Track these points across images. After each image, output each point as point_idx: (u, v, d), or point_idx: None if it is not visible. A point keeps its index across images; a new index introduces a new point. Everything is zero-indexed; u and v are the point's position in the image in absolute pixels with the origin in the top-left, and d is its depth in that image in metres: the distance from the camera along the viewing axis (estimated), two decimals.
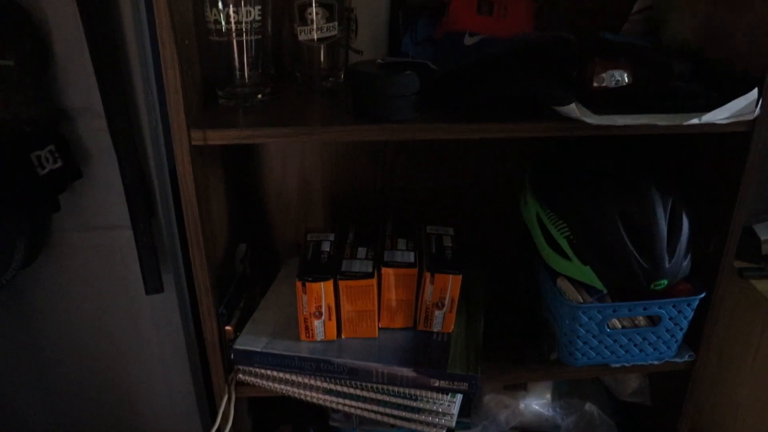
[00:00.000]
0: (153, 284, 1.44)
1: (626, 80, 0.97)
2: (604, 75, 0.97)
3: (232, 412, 1.09)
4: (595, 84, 0.97)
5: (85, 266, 1.49)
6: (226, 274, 1.13)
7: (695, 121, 0.91)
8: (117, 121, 1.29)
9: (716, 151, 1.07)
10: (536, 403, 1.29)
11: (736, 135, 0.99)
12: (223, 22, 0.96)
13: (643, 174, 1.06)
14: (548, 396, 1.31)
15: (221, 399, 1.09)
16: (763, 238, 1.54)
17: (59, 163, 1.32)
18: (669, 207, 1.02)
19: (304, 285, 1.00)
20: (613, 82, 0.97)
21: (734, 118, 0.94)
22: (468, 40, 0.99)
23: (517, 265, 1.29)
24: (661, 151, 1.20)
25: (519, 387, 1.30)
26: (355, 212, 1.34)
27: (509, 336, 1.20)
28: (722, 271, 1.09)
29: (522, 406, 1.28)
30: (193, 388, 1.65)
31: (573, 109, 0.89)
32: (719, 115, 0.92)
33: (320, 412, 1.34)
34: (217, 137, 0.91)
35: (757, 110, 0.94)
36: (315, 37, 1.05)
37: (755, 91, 0.93)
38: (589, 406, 1.32)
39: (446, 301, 1.05)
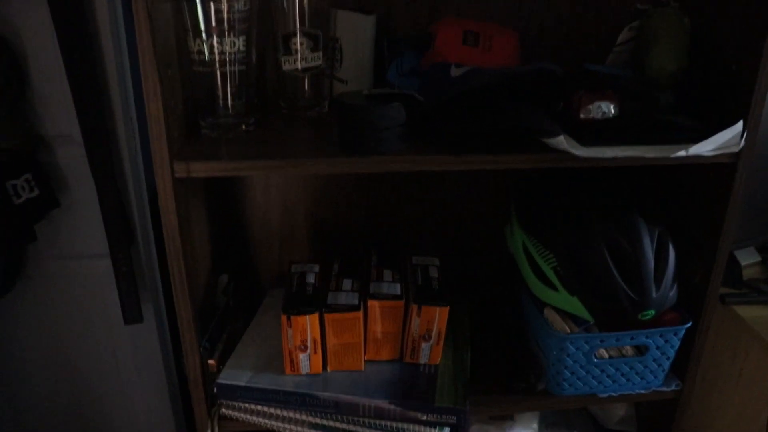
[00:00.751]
0: (132, 314, 1.41)
1: (612, 112, 0.98)
2: (590, 107, 0.97)
3: None
4: (582, 116, 0.98)
5: (63, 295, 1.46)
6: (208, 306, 1.11)
7: (682, 153, 0.92)
8: (95, 149, 1.27)
9: (702, 182, 1.08)
10: None
11: (721, 166, 0.99)
12: (206, 53, 0.95)
13: (629, 204, 1.06)
14: (535, 426, 1.30)
15: None
16: (743, 263, 1.55)
17: (36, 192, 1.29)
18: (656, 237, 1.02)
19: (289, 318, 0.99)
20: (600, 114, 0.98)
21: (720, 150, 0.94)
22: (454, 72, 0.98)
23: (504, 295, 1.28)
24: (647, 182, 1.20)
25: (506, 417, 1.29)
26: (339, 243, 1.32)
27: (496, 367, 1.19)
28: (708, 300, 1.09)
29: None
30: (173, 421, 1.62)
31: (561, 141, 0.89)
32: (705, 147, 0.93)
33: None
34: (201, 169, 0.89)
35: (742, 142, 0.95)
36: (299, 66, 1.04)
37: (740, 123, 0.94)
38: None
39: (433, 333, 1.04)
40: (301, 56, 1.04)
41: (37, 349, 1.51)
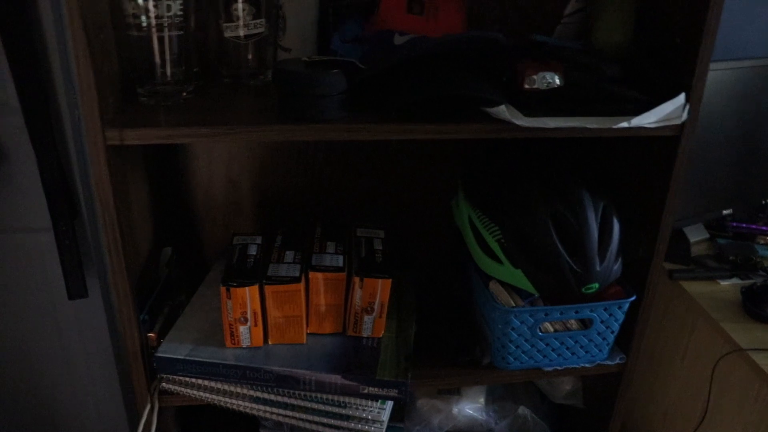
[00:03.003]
0: (76, 289, 1.38)
1: (557, 82, 0.97)
2: (535, 77, 0.96)
3: (155, 422, 1.05)
4: (526, 86, 0.97)
5: (3, 269, 1.42)
6: (149, 279, 1.08)
7: (624, 124, 0.91)
8: (35, 117, 1.23)
9: (646, 156, 1.07)
10: (469, 407, 1.28)
11: (665, 139, 0.99)
12: (142, 16, 0.91)
13: (574, 177, 1.06)
14: (482, 400, 1.30)
15: (143, 408, 1.04)
16: (692, 240, 1.57)
17: None
18: (600, 211, 1.02)
19: (228, 290, 0.97)
20: (544, 84, 0.97)
21: (662, 122, 0.94)
22: (398, 40, 0.97)
23: (450, 269, 1.28)
24: (593, 155, 1.20)
25: (452, 391, 1.29)
26: (284, 215, 1.31)
27: (442, 340, 1.18)
28: (652, 273, 1.09)
29: (455, 410, 1.26)
30: (121, 396, 1.59)
31: (503, 111, 0.88)
32: (648, 119, 0.93)
33: (251, 421, 1.30)
34: (135, 137, 0.87)
35: (684, 115, 0.95)
36: (241, 33, 1.02)
37: (682, 96, 0.94)
38: (522, 410, 1.32)
39: (376, 306, 1.03)
40: (243, 23, 1.01)
41: None
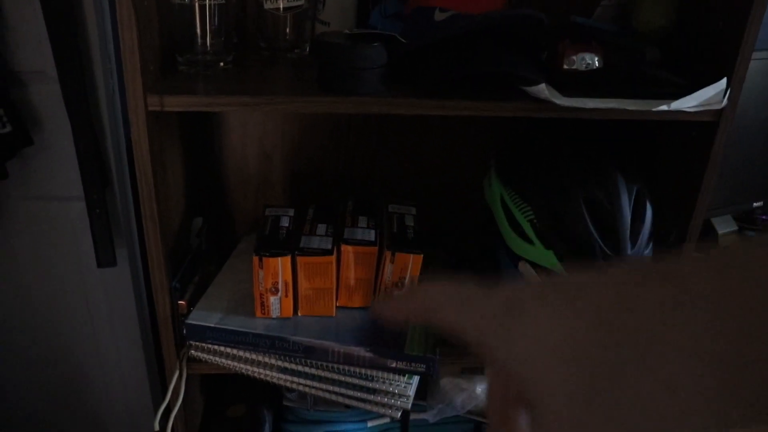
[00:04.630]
0: (105, 257, 1.40)
1: (597, 64, 0.96)
2: (574, 57, 0.96)
3: (183, 389, 1.06)
4: (565, 66, 0.96)
5: (34, 237, 1.44)
6: (180, 248, 1.09)
7: (664, 107, 0.91)
8: (71, 86, 1.24)
9: (682, 141, 1.07)
10: None
11: (703, 125, 0.99)
12: None
13: (609, 160, 1.06)
14: None
15: (172, 375, 1.06)
16: (720, 231, 1.56)
17: (8, 128, 1.26)
18: (634, 194, 1.02)
19: (260, 260, 0.97)
20: (584, 65, 0.96)
21: (702, 106, 0.93)
22: (438, 16, 0.96)
23: (480, 248, 1.28)
24: (629, 139, 1.19)
25: (476, 371, 1.29)
26: (316, 189, 1.31)
27: None
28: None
29: (479, 389, 1.26)
30: (145, 365, 1.61)
31: (542, 90, 0.88)
32: (688, 103, 0.92)
33: (274, 391, 1.32)
34: (175, 103, 0.87)
35: (725, 100, 0.94)
36: (281, 6, 1.02)
37: (724, 80, 0.93)
38: None
39: (406, 281, 1.03)
40: None
41: (5, 291, 1.49)
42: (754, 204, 1.56)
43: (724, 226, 1.58)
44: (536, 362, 0.30)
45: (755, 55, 1.33)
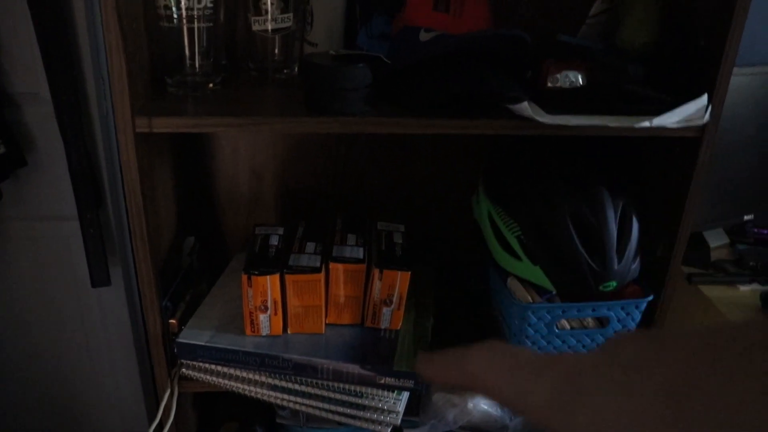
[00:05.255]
0: (100, 277, 1.41)
1: (580, 81, 0.98)
2: (558, 75, 0.97)
3: (175, 407, 1.07)
4: (549, 84, 0.98)
5: (29, 257, 1.45)
6: (172, 267, 1.10)
7: (646, 124, 0.92)
8: (64, 107, 1.26)
9: (667, 156, 1.08)
10: (485, 403, 1.28)
11: (687, 140, 1.00)
12: (173, 8, 0.94)
13: (595, 176, 1.07)
14: None
15: (164, 393, 1.06)
16: (712, 245, 1.56)
17: (2, 149, 1.28)
18: (620, 209, 1.03)
19: (249, 278, 0.98)
20: (567, 83, 0.98)
21: (684, 122, 0.94)
22: (423, 36, 0.98)
23: (469, 264, 1.29)
24: (614, 155, 1.20)
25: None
26: (306, 207, 1.32)
27: (459, 335, 1.19)
28: (670, 274, 1.09)
29: (470, 405, 1.27)
30: (140, 382, 1.62)
31: (526, 108, 0.89)
32: (670, 119, 0.93)
33: (267, 409, 1.32)
34: (163, 125, 0.89)
35: (707, 116, 0.95)
36: (269, 27, 1.04)
37: (705, 96, 0.94)
38: None
39: (394, 298, 1.04)
40: (271, 17, 1.03)
41: (2, 309, 1.50)
42: (745, 217, 1.57)
43: (716, 239, 1.59)
44: None
45: (743, 70, 1.35)
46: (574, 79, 0.97)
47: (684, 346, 0.28)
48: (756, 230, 1.60)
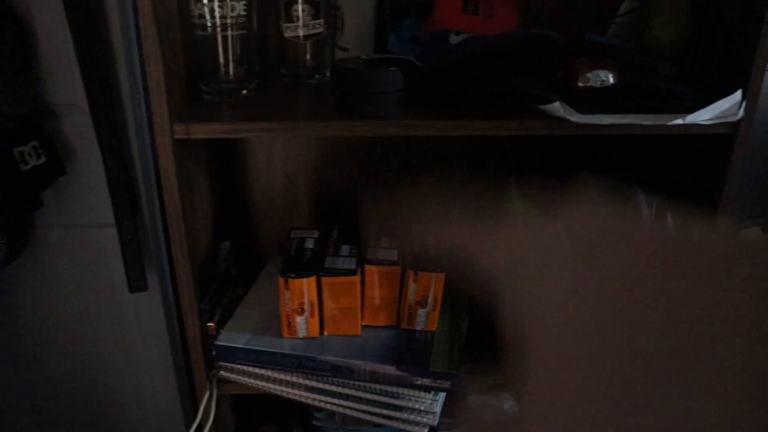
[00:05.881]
0: (136, 282, 1.43)
1: (611, 80, 0.98)
2: (589, 75, 0.97)
3: (214, 409, 1.08)
4: (580, 84, 0.98)
5: (68, 264, 1.48)
6: (208, 272, 1.12)
7: (679, 121, 0.92)
8: (102, 117, 1.28)
9: (701, 154, 1.07)
10: None
11: (720, 137, 0.99)
12: (207, 17, 0.95)
13: (629, 175, 1.07)
14: None
15: (203, 395, 1.08)
16: None
17: (43, 159, 1.31)
18: (654, 208, 1.02)
19: (286, 281, 1.00)
20: (599, 82, 0.98)
21: (718, 119, 0.94)
22: (453, 39, 0.99)
23: None
24: (647, 153, 1.20)
25: (503, 387, 1.29)
26: (339, 210, 1.34)
27: (494, 336, 1.19)
28: None
29: (506, 406, 1.27)
30: (176, 386, 1.64)
31: (558, 108, 0.89)
32: (703, 116, 0.93)
33: (304, 411, 1.33)
34: (201, 131, 0.90)
35: (741, 112, 0.94)
36: (300, 34, 1.05)
37: (739, 92, 0.94)
38: None
39: (429, 300, 1.05)
40: (302, 23, 1.04)
41: (41, 317, 1.53)
42: None
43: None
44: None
45: None
46: (605, 78, 0.97)
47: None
48: None
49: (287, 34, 1.05)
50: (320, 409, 1.23)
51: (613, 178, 1.03)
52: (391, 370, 1.00)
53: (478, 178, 1.33)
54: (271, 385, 1.06)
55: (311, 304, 1.02)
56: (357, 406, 1.04)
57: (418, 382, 1.01)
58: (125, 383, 1.65)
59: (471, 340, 1.12)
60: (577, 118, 0.90)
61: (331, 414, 1.26)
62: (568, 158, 1.14)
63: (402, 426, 1.04)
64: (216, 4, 0.94)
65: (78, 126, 1.34)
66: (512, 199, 1.15)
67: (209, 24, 0.96)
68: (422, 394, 1.02)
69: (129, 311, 1.54)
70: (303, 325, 1.04)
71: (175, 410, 1.68)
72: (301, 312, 1.03)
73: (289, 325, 1.04)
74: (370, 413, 1.04)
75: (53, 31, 1.26)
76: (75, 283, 1.50)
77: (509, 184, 1.19)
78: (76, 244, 1.46)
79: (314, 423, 1.30)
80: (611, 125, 0.91)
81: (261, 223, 1.35)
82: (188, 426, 1.62)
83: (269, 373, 1.05)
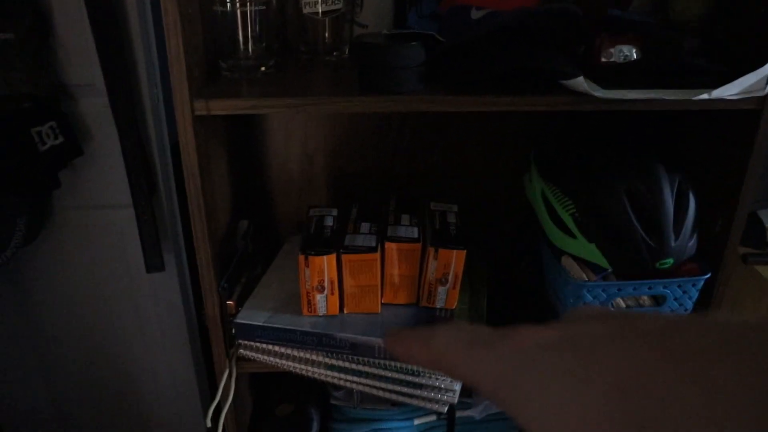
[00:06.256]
0: (154, 262, 1.43)
1: (635, 56, 0.96)
2: (612, 50, 0.96)
3: (233, 388, 1.08)
4: (603, 59, 0.97)
5: (85, 244, 1.49)
6: (227, 251, 1.12)
7: (705, 96, 0.90)
8: (118, 98, 1.28)
9: (725, 130, 1.06)
10: None
11: (746, 113, 0.98)
12: None
13: (650, 152, 1.06)
14: None
15: (222, 374, 1.08)
16: (767, 224, 1.53)
17: (60, 140, 1.31)
18: (676, 186, 1.01)
19: (306, 258, 0.99)
20: (622, 57, 0.96)
21: (744, 94, 0.92)
22: (474, 14, 0.98)
23: (523, 244, 1.28)
24: (670, 130, 1.19)
25: None
26: (358, 189, 1.33)
27: (513, 314, 1.19)
28: (728, 251, 1.08)
29: None
30: (193, 366, 1.65)
31: (581, 83, 0.88)
32: (729, 91, 0.91)
33: (321, 391, 1.34)
34: (220, 107, 0.90)
35: None
36: (319, 10, 1.04)
37: (766, 66, 0.92)
38: None
39: (450, 277, 1.04)
40: None
41: (59, 297, 1.54)
42: None
43: None
44: (547, 427, 0.27)
45: None
46: (628, 53, 0.96)
47: (648, 334, 0.26)
48: None
49: (306, 10, 1.04)
50: (339, 388, 1.23)
51: (634, 155, 1.03)
52: None
53: (499, 156, 1.32)
54: (290, 363, 1.06)
55: (331, 282, 1.02)
56: (377, 383, 1.04)
57: None
58: (142, 364, 1.65)
59: (491, 322, 1.11)
60: (600, 93, 0.89)
61: (349, 393, 1.26)
62: (589, 135, 1.13)
63: (422, 404, 1.03)
64: None
65: (95, 106, 1.34)
66: (531, 176, 1.15)
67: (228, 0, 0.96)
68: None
69: (146, 292, 1.54)
70: (323, 303, 1.04)
71: (192, 391, 1.69)
72: (321, 290, 1.02)
73: (309, 303, 1.03)
74: (390, 391, 1.04)
75: (70, 12, 1.25)
76: (92, 264, 1.51)
77: (529, 160, 1.19)
78: (93, 225, 1.47)
79: (332, 402, 1.30)
80: (635, 100, 0.90)
81: (279, 201, 1.35)
82: (205, 406, 1.63)
83: (289, 351, 1.05)
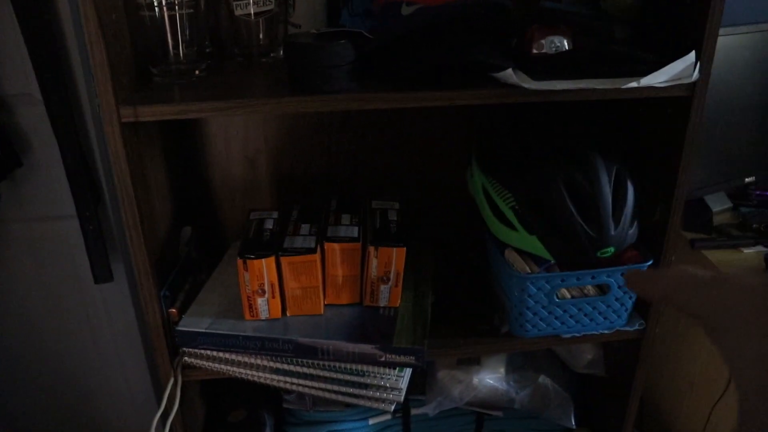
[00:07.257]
0: (102, 273, 1.41)
1: (566, 46, 0.97)
2: (543, 41, 0.96)
3: (179, 396, 1.07)
4: (534, 50, 0.97)
5: (31, 258, 1.46)
6: (170, 258, 1.10)
7: (633, 84, 0.91)
8: (56, 106, 1.26)
9: (658, 118, 1.07)
10: (490, 378, 1.28)
11: (677, 100, 0.99)
12: None
13: (587, 142, 1.06)
14: (502, 370, 1.30)
15: (167, 382, 1.07)
16: (714, 209, 1.55)
17: None
18: (613, 174, 1.02)
19: (245, 262, 0.98)
20: (553, 49, 0.97)
21: (673, 81, 0.93)
22: (405, 10, 0.97)
23: (468, 239, 1.28)
24: (606, 120, 1.19)
25: (472, 362, 1.30)
26: (301, 191, 1.32)
27: (460, 310, 1.19)
28: (669, 237, 1.09)
29: (476, 380, 1.27)
30: (149, 375, 1.63)
31: (510, 75, 0.88)
32: (657, 79, 0.92)
33: (274, 395, 1.33)
34: (149, 113, 0.88)
35: (696, 74, 0.94)
36: (251, 11, 1.03)
37: (692, 54, 0.93)
38: (543, 379, 1.31)
39: (391, 275, 1.04)
40: (252, 1, 1.02)
41: (9, 310, 1.51)
42: (746, 179, 1.56)
43: (718, 203, 1.58)
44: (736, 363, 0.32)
45: (737, 29, 1.34)
46: (559, 44, 0.96)
47: None
48: (758, 192, 1.58)
49: (238, 12, 1.03)
50: (289, 392, 1.22)
51: (572, 146, 1.03)
52: (355, 348, 0.99)
53: (440, 153, 1.32)
54: (236, 369, 1.05)
55: (272, 285, 1.01)
56: (323, 385, 1.03)
57: (383, 359, 1.00)
58: (96, 374, 1.63)
59: (439, 317, 1.11)
60: (530, 84, 0.89)
61: (301, 396, 1.25)
62: (528, 128, 1.13)
63: (369, 404, 1.03)
64: None
65: (32, 116, 1.32)
66: (473, 171, 1.15)
67: (155, 3, 0.94)
68: (387, 370, 1.02)
69: (97, 302, 1.52)
70: (265, 307, 1.03)
71: (148, 400, 1.67)
72: (262, 293, 1.01)
73: (250, 307, 1.02)
74: (336, 392, 1.04)
75: (2, 20, 1.23)
76: (39, 277, 1.48)
77: (469, 155, 1.19)
78: (38, 237, 1.44)
79: (285, 406, 1.29)
80: (565, 91, 0.90)
81: (223, 206, 1.34)
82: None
83: (233, 356, 1.04)
